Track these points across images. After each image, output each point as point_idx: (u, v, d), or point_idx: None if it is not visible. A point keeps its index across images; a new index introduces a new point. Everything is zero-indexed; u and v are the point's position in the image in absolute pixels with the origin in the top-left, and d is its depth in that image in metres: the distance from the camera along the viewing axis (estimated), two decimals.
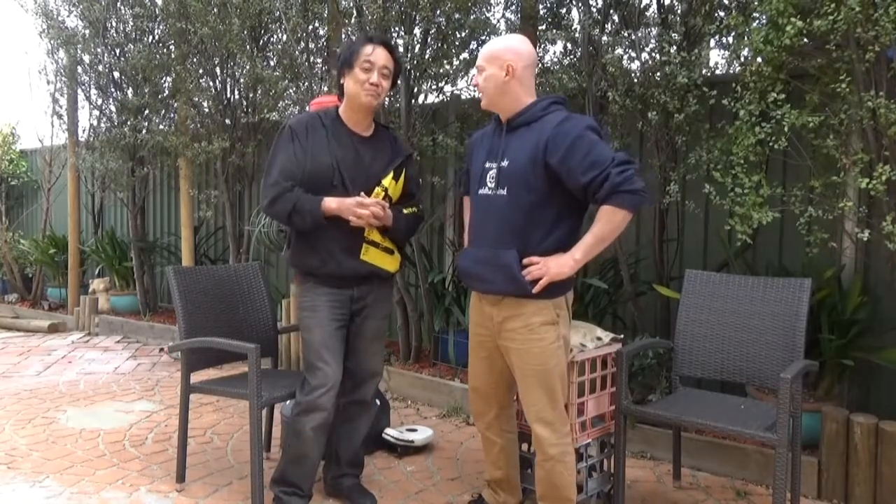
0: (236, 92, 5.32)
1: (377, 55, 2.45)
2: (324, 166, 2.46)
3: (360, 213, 2.40)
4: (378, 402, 2.85)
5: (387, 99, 4.18)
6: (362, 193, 2.45)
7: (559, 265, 2.18)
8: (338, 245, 2.49)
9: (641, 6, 3.51)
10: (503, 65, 2.24)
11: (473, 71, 4.21)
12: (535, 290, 2.19)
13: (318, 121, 2.53)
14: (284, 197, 2.43)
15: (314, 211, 2.41)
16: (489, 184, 2.29)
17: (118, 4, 5.84)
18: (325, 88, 4.37)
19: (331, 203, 2.42)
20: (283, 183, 2.44)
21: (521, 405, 2.62)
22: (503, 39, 2.31)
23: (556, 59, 3.91)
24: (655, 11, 3.55)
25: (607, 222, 2.14)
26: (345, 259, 2.50)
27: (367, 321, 2.64)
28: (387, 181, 2.56)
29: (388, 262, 2.60)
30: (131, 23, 5.82)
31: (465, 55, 4.19)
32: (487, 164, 2.32)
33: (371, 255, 2.54)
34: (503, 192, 2.24)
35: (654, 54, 3.47)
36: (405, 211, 2.61)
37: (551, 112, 2.25)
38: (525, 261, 2.20)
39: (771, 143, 2.86)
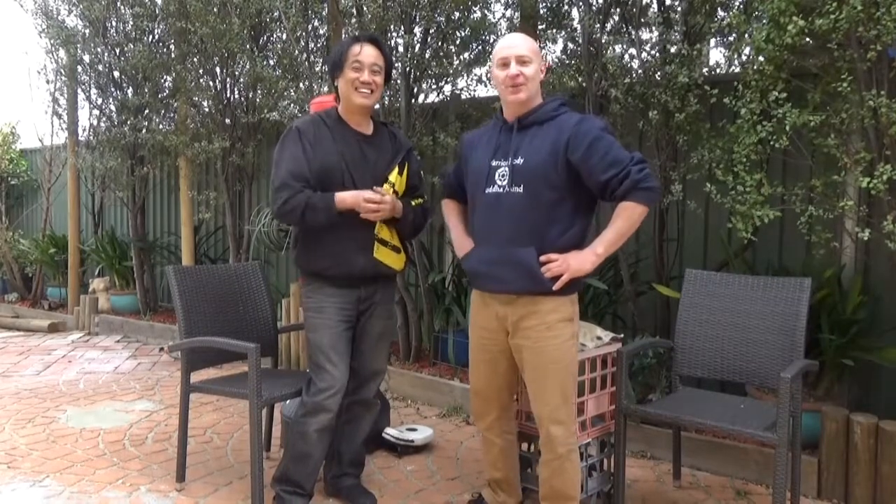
0: (236, 91, 5.32)
1: (365, 53, 2.45)
2: (332, 166, 2.46)
3: (372, 206, 2.40)
4: (378, 402, 2.85)
5: (386, 99, 4.18)
6: (375, 188, 2.45)
7: (580, 261, 2.19)
8: (349, 244, 2.49)
9: (642, 5, 3.50)
10: (541, 62, 2.29)
11: (480, 71, 4.24)
12: (557, 286, 2.19)
13: (321, 122, 2.53)
14: (296, 197, 2.41)
15: (328, 206, 2.40)
16: (499, 182, 2.27)
17: (118, 4, 5.84)
18: (325, 88, 4.37)
19: (346, 196, 2.41)
20: (293, 184, 2.42)
21: (522, 406, 2.63)
22: (525, 36, 2.32)
23: (556, 59, 3.90)
24: (656, 10, 3.54)
25: (627, 218, 2.17)
26: (357, 257, 2.49)
27: (373, 321, 2.64)
28: (393, 176, 2.56)
29: (395, 261, 2.61)
30: (131, 22, 5.82)
31: (465, 55, 4.19)
32: (495, 163, 2.30)
33: (381, 254, 2.54)
34: (518, 189, 2.23)
35: (654, 53, 3.46)
36: (412, 202, 2.61)
37: (563, 112, 2.28)
38: (543, 258, 2.20)
39: (772, 142, 2.86)
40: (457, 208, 2.57)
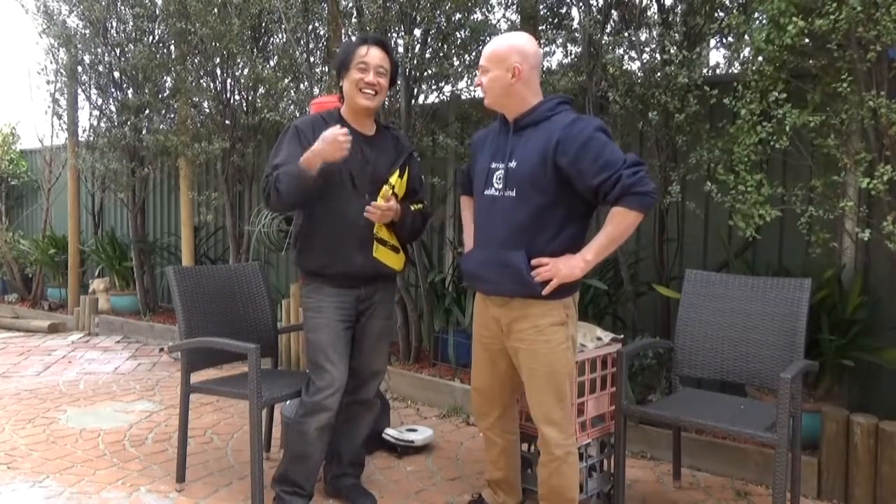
0: (236, 92, 5.32)
1: (372, 55, 2.45)
2: (332, 166, 2.46)
3: (340, 145, 2.30)
4: (378, 401, 2.85)
5: (387, 99, 4.18)
6: (372, 203, 2.44)
7: (569, 267, 2.16)
8: (348, 242, 2.49)
9: (642, 6, 3.50)
10: (509, 67, 2.20)
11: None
12: (545, 291, 2.17)
13: (322, 122, 2.53)
14: (268, 179, 2.43)
15: (293, 170, 2.34)
16: (496, 184, 2.26)
17: (118, 4, 5.84)
18: (325, 89, 4.37)
19: (307, 154, 2.33)
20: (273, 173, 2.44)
21: (524, 406, 2.63)
22: (508, 38, 2.26)
23: (556, 59, 3.91)
24: (656, 11, 3.54)
25: (619, 223, 2.13)
26: (355, 256, 2.50)
27: (372, 321, 2.64)
28: (393, 179, 2.56)
29: (395, 261, 2.61)
30: (131, 23, 5.82)
31: (466, 57, 4.18)
32: (494, 165, 2.29)
33: (380, 253, 2.55)
34: (511, 193, 2.22)
35: (654, 54, 3.46)
36: (412, 207, 2.61)
37: (559, 112, 2.23)
38: (534, 262, 2.18)
39: (772, 143, 2.86)
40: (471, 206, 2.52)
